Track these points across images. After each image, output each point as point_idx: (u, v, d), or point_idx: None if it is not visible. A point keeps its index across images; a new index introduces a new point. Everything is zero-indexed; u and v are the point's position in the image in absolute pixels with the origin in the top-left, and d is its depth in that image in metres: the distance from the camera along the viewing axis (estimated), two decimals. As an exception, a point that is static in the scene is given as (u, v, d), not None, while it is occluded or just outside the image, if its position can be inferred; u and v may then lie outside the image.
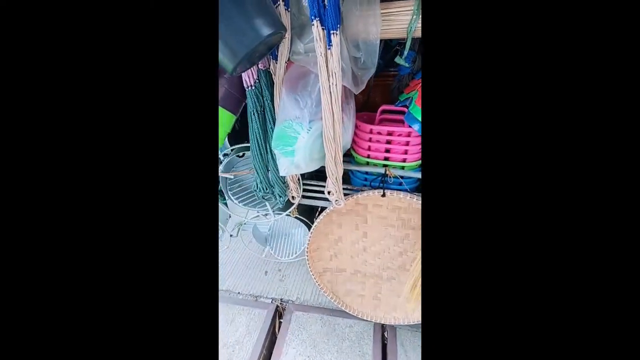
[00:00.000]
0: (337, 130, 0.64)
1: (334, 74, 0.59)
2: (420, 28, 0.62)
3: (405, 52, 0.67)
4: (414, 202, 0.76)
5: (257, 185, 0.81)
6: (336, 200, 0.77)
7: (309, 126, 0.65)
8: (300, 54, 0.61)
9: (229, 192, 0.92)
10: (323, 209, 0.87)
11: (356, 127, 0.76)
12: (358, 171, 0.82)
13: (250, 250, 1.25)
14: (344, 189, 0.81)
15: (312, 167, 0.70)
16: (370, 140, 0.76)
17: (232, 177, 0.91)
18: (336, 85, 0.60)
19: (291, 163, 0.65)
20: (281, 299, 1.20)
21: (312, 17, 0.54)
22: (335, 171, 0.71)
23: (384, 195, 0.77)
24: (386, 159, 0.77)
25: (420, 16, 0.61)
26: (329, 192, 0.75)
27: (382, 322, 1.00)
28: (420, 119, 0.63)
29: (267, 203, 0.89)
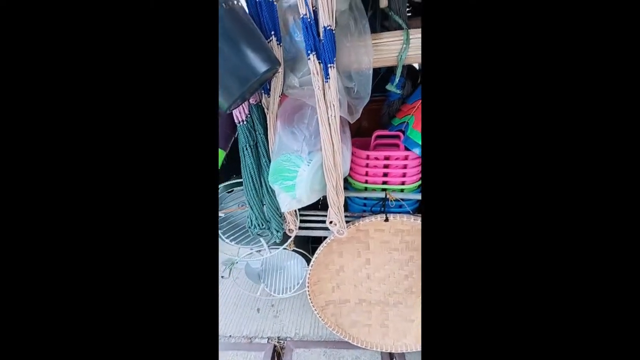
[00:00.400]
0: (338, 160, 0.63)
1: (332, 106, 0.57)
2: (410, 56, 0.64)
3: (397, 80, 0.68)
4: (417, 224, 0.76)
5: (251, 222, 0.76)
6: (339, 231, 0.73)
7: (308, 158, 0.62)
8: (295, 87, 0.59)
9: (218, 230, 0.85)
10: (317, 238, 0.84)
11: (352, 153, 0.75)
12: (357, 197, 0.81)
13: (244, 290, 1.16)
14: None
15: (313, 199, 0.67)
16: (367, 165, 0.75)
17: (222, 214, 0.85)
18: (335, 116, 0.58)
19: (293, 198, 0.62)
20: (278, 337, 1.12)
21: (309, 52, 0.53)
22: (337, 201, 0.68)
23: (387, 219, 0.76)
24: (384, 182, 0.76)
25: (410, 45, 0.63)
26: (331, 223, 0.72)
27: (392, 351, 0.96)
28: (420, 142, 0.63)
29: (261, 239, 0.84)
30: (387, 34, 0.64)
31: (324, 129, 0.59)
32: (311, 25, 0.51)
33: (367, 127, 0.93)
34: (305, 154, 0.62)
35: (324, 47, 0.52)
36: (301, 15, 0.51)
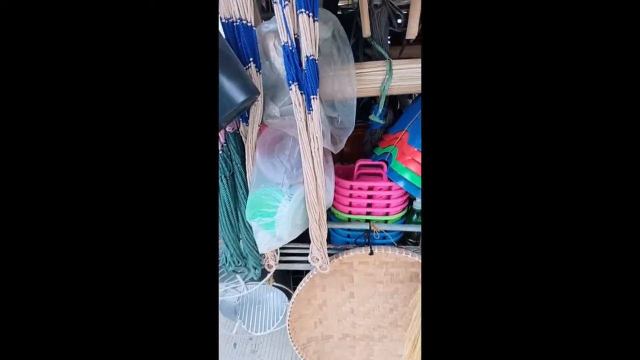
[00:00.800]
0: (321, 194, 0.59)
1: (315, 138, 0.54)
2: (393, 87, 0.63)
3: (380, 110, 0.67)
4: (402, 256, 0.73)
5: (226, 259, 0.69)
6: (321, 266, 0.69)
7: (289, 192, 0.58)
8: (276, 117, 0.55)
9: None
10: (299, 271, 0.78)
11: (335, 183, 0.71)
12: (340, 229, 0.77)
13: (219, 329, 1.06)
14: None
15: (295, 235, 0.62)
16: (351, 196, 0.71)
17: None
18: (318, 149, 0.55)
19: (272, 236, 0.57)
20: (256, 377, 1.02)
21: (290, 82, 0.49)
22: (320, 235, 0.64)
23: (371, 252, 0.72)
24: (368, 213, 0.73)
25: (392, 77, 0.62)
26: (313, 258, 0.67)
27: (377, 388, 0.90)
28: (404, 175, 0.61)
29: (237, 276, 0.77)
30: (369, 64, 0.63)
31: (306, 162, 0.55)
32: (293, 54, 0.48)
33: (350, 153, 0.91)
34: (286, 188, 0.57)
35: (307, 78, 0.49)
36: (282, 43, 0.48)
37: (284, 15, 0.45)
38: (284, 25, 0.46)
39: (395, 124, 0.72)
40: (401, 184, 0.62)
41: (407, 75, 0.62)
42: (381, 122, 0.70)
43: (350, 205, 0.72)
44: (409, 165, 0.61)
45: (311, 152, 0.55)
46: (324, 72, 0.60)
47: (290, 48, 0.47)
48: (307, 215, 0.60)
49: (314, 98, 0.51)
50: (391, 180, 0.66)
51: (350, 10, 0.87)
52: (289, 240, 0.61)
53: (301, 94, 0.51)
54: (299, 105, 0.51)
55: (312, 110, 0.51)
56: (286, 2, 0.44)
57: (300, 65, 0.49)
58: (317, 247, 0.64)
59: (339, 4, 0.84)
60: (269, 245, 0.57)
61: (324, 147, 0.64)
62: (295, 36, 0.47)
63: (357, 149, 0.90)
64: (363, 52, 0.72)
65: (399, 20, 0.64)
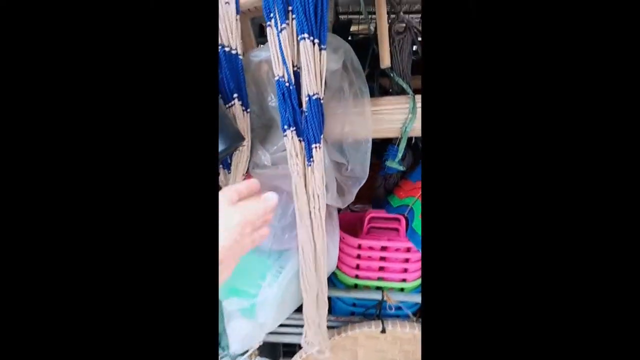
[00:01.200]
0: (321, 265, 0.45)
1: (316, 197, 0.41)
2: (417, 128, 0.51)
3: (399, 155, 0.54)
4: (419, 333, 0.58)
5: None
6: (319, 351, 0.54)
7: (279, 264, 0.44)
8: (265, 167, 0.42)
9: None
10: (290, 344, 0.63)
11: (340, 239, 0.58)
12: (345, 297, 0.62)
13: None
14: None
15: (283, 317, 0.48)
16: (359, 257, 0.58)
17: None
18: (319, 209, 0.42)
19: (252, 325, 0.42)
20: None
21: (285, 126, 0.37)
22: (316, 316, 0.49)
23: (383, 330, 0.57)
24: (380, 279, 0.59)
25: (416, 117, 0.49)
26: (308, 342, 0.52)
27: None
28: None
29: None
30: (388, 100, 0.51)
31: (303, 226, 0.42)
32: (290, 91, 0.36)
33: (358, 194, 0.78)
34: (273, 259, 0.44)
35: (308, 122, 0.37)
36: (276, 78, 0.36)
37: (279, 41, 0.33)
38: (279, 55, 0.34)
39: (417, 168, 0.60)
40: (426, 254, 0.48)
41: (435, 116, 0.49)
42: (401, 168, 0.57)
43: (357, 267, 0.59)
44: (438, 232, 0.48)
45: (310, 214, 0.42)
46: (332, 109, 0.48)
47: (287, 84, 0.35)
48: (300, 292, 0.46)
49: (316, 147, 0.38)
50: (412, 244, 0.52)
51: (363, 36, 0.77)
52: (275, 326, 0.46)
53: (299, 141, 0.38)
54: (296, 155, 0.38)
55: (313, 162, 0.39)
56: (284, 26, 0.33)
57: (300, 105, 0.37)
58: (314, 331, 0.49)
59: (350, 30, 0.74)
60: (246, 340, 0.43)
61: (327, 206, 0.51)
62: (295, 69, 0.36)
63: (368, 188, 0.76)
64: (379, 83, 0.60)
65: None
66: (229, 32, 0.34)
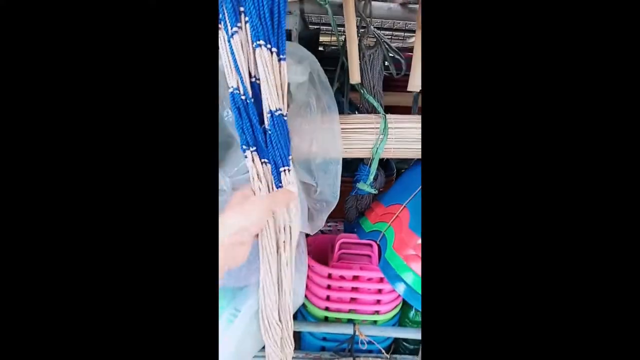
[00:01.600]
0: (286, 302, 0.39)
1: (287, 229, 0.35)
2: (388, 149, 0.47)
3: (371, 177, 0.51)
4: (397, 373, 0.53)
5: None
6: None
7: (233, 307, 0.37)
8: (224, 192, 0.36)
9: None
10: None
11: (308, 267, 0.52)
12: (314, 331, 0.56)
13: None
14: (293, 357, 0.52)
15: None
16: (329, 287, 0.52)
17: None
18: (290, 241, 0.36)
19: None
20: None
21: (245, 146, 0.32)
22: (282, 357, 0.43)
23: (355, 370, 0.52)
24: (352, 311, 0.54)
25: (387, 138, 0.46)
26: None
27: None
28: (403, 276, 0.44)
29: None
30: (358, 118, 0.48)
31: (265, 262, 0.36)
32: (247, 105, 0.31)
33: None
34: (227, 300, 0.37)
35: (272, 142, 0.32)
36: (230, 90, 0.30)
37: (230, 48, 0.28)
38: (231, 63, 0.29)
39: (389, 192, 0.56)
40: (399, 288, 0.44)
41: (407, 137, 0.47)
42: (373, 191, 0.53)
43: (328, 299, 0.53)
44: (411, 263, 0.44)
45: (277, 248, 0.36)
46: (298, 125, 0.43)
47: (243, 97, 0.30)
48: (261, 336, 0.39)
49: (284, 171, 0.33)
50: (384, 277, 0.48)
51: (334, 48, 0.74)
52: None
53: (263, 163, 0.33)
54: (258, 179, 0.33)
55: (281, 187, 0.34)
56: (235, 29, 0.28)
57: (261, 122, 0.32)
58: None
59: (319, 40, 0.71)
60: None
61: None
62: (252, 80, 0.31)
63: (340, 203, 0.71)
64: (349, 99, 0.57)
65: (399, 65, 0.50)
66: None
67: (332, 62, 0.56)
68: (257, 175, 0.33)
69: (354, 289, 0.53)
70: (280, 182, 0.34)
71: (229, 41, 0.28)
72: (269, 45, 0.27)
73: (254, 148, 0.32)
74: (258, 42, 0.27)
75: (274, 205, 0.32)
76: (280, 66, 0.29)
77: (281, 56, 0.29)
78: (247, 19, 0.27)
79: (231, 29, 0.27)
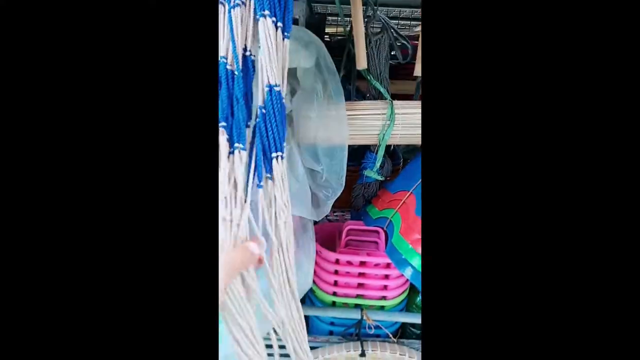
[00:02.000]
0: (293, 287, 0.39)
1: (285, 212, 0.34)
2: (395, 135, 0.48)
3: (377, 164, 0.51)
4: (404, 358, 0.54)
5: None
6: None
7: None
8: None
9: None
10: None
11: (317, 252, 0.53)
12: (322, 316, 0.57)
13: None
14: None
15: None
16: (336, 272, 0.53)
17: None
18: (285, 242, 0.33)
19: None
20: None
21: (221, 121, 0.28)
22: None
23: (363, 354, 0.53)
24: (359, 296, 0.55)
25: (394, 124, 0.47)
26: None
27: None
28: (411, 260, 0.44)
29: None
30: (364, 105, 0.48)
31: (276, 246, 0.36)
32: (232, 78, 0.28)
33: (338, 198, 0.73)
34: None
35: (268, 121, 0.29)
36: (220, 59, 0.28)
37: (230, 19, 0.28)
38: (227, 32, 0.28)
39: (396, 179, 0.57)
40: (407, 272, 0.45)
41: (414, 123, 0.47)
42: (380, 178, 0.54)
43: (335, 284, 0.54)
44: (418, 248, 0.44)
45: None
46: (304, 111, 0.44)
47: (230, 67, 0.28)
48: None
49: (277, 157, 0.29)
50: (391, 262, 0.48)
51: (340, 38, 0.74)
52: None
53: (237, 149, 0.27)
54: (229, 181, 0.26)
55: (272, 175, 0.29)
56: (237, 2, 0.27)
57: (246, 101, 0.28)
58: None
59: (325, 28, 0.71)
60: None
61: (300, 218, 0.46)
62: (248, 54, 0.29)
63: (346, 193, 0.71)
64: (356, 86, 0.58)
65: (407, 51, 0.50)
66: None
67: (338, 51, 0.56)
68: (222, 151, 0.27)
69: (361, 275, 0.54)
70: (272, 172, 0.30)
71: (229, 12, 0.27)
72: (274, 19, 0.27)
73: (224, 124, 0.27)
74: (262, 12, 0.27)
75: (229, 273, 0.23)
76: (283, 44, 0.29)
77: (286, 33, 0.29)
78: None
79: (233, 1, 0.27)
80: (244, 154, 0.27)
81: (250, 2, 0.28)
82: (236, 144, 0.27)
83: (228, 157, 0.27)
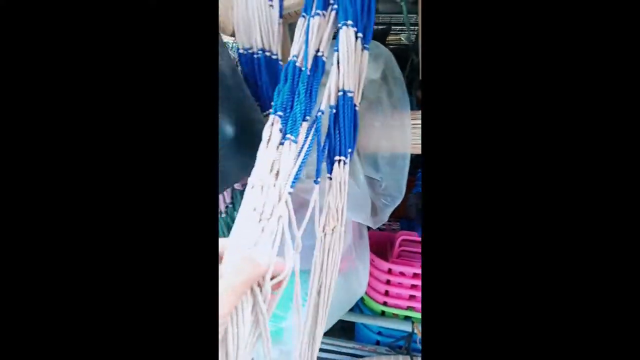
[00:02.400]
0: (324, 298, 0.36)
1: (335, 218, 0.33)
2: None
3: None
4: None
5: None
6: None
7: (307, 287, 0.41)
8: (302, 180, 0.40)
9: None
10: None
11: (369, 262, 0.53)
12: (370, 324, 0.57)
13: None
14: (343, 348, 0.54)
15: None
16: (388, 282, 0.53)
17: None
18: (336, 241, 0.33)
19: (279, 354, 0.39)
20: None
21: (274, 110, 0.29)
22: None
23: (412, 368, 0.51)
24: (410, 308, 0.53)
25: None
26: None
27: None
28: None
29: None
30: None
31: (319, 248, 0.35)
32: (298, 75, 0.29)
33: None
34: (303, 280, 0.40)
35: (337, 123, 0.30)
36: (289, 58, 0.29)
37: (308, 26, 0.29)
38: (302, 35, 0.29)
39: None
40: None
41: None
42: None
43: (386, 294, 0.54)
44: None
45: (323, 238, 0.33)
46: (368, 120, 0.45)
47: (299, 65, 0.29)
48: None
49: (339, 161, 0.31)
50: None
51: (402, 47, 0.74)
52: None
53: (288, 139, 0.27)
54: (271, 169, 0.27)
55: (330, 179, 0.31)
56: (318, 11, 0.29)
57: (307, 93, 0.28)
58: None
59: (386, 40, 0.72)
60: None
61: (358, 224, 0.47)
62: (319, 55, 0.30)
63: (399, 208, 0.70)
64: (416, 96, 0.57)
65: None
66: (271, 36, 0.32)
67: (399, 61, 0.57)
68: (269, 138, 0.27)
69: (414, 287, 0.53)
70: (331, 173, 0.31)
71: (308, 20, 0.29)
72: (355, 29, 0.28)
73: (281, 114, 0.27)
74: (345, 22, 0.28)
75: (239, 287, 0.20)
76: (362, 54, 0.30)
77: (365, 45, 0.30)
78: (335, 5, 0.28)
79: (314, 11, 0.29)
80: (294, 146, 0.27)
81: (331, 13, 0.29)
82: (288, 135, 0.27)
83: (277, 147, 0.27)
